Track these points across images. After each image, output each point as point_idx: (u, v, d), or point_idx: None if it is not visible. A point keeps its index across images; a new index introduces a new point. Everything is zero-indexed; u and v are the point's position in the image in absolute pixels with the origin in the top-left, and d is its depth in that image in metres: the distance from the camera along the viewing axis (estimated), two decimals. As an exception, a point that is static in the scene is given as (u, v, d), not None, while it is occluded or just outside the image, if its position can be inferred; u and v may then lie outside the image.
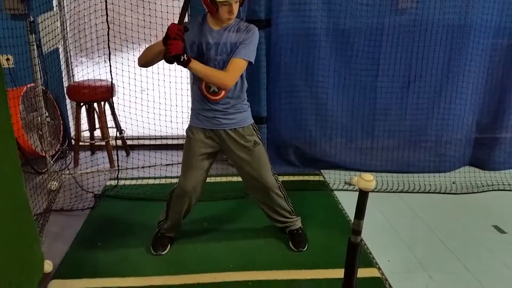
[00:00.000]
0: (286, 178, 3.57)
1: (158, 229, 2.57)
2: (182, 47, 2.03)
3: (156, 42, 2.13)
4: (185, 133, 2.41)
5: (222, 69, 2.18)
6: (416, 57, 3.51)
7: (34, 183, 3.40)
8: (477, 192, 3.40)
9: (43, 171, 3.53)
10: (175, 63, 2.06)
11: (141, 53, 2.21)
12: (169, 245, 2.56)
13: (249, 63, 2.19)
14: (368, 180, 1.72)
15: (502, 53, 3.58)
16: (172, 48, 1.99)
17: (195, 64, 2.09)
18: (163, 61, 2.12)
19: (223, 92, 2.23)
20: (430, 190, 3.42)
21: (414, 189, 3.43)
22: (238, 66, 2.15)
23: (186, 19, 2.12)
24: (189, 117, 2.40)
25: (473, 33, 3.44)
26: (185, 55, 2.04)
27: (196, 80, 2.28)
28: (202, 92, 2.26)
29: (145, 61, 2.20)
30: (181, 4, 2.15)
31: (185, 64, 2.05)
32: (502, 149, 3.79)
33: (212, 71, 2.15)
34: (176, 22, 2.05)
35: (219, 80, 2.14)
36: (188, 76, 3.86)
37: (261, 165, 2.40)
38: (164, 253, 2.51)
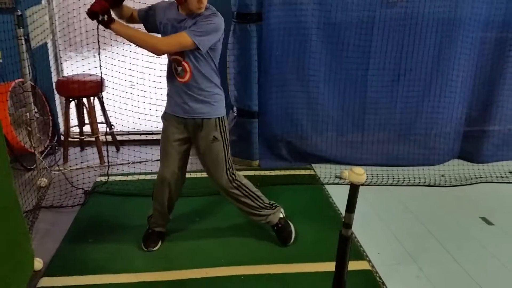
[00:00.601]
0: (277, 172, 3.58)
1: (149, 225, 2.57)
2: (104, 8, 2.05)
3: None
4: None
5: (183, 56, 2.18)
6: (406, 51, 3.53)
7: (23, 180, 3.37)
8: (466, 185, 3.44)
9: (32, 167, 3.50)
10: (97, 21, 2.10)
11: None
12: (160, 241, 2.55)
13: (198, 48, 2.12)
14: (359, 173, 1.73)
15: (491, 46, 3.60)
16: (93, 5, 2.06)
17: (118, 26, 2.09)
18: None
19: (187, 75, 2.21)
20: (419, 183, 3.46)
21: (403, 182, 3.46)
22: (178, 37, 2.11)
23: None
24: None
25: (463, 26, 3.46)
26: (105, 16, 2.05)
27: (169, 61, 2.28)
28: (173, 73, 2.27)
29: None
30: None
31: (105, 24, 2.07)
32: (491, 142, 3.83)
33: (143, 35, 2.15)
34: None
35: (148, 44, 2.11)
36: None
37: (214, 163, 2.38)
38: (155, 249, 2.51)
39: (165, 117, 2.40)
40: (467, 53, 3.55)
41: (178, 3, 2.14)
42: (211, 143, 2.34)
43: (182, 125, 2.35)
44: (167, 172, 2.40)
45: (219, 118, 2.34)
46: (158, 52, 2.17)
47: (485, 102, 3.76)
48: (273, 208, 2.55)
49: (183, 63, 2.20)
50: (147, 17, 2.29)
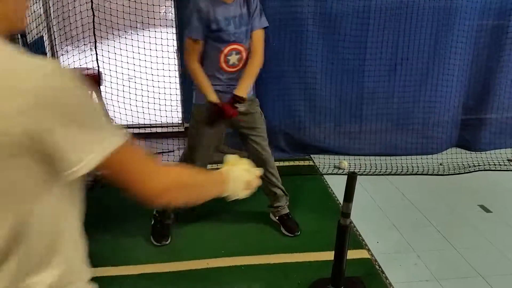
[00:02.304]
0: (276, 163, 3.58)
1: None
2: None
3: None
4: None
5: (243, 42, 2.23)
6: (402, 40, 3.53)
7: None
8: (464, 173, 3.46)
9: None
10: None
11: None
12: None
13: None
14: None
15: (487, 34, 3.60)
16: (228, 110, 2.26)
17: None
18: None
19: (242, 63, 2.32)
20: (417, 172, 3.48)
21: (402, 171, 3.48)
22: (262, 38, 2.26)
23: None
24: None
25: (459, 14, 3.45)
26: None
27: (211, 56, 2.28)
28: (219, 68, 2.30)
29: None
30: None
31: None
32: (488, 129, 3.85)
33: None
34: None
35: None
36: (176, 63, 3.83)
37: None
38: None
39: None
40: (463, 41, 3.55)
41: None
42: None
43: None
44: None
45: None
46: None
47: (482, 90, 3.77)
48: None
49: (243, 49, 2.24)
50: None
